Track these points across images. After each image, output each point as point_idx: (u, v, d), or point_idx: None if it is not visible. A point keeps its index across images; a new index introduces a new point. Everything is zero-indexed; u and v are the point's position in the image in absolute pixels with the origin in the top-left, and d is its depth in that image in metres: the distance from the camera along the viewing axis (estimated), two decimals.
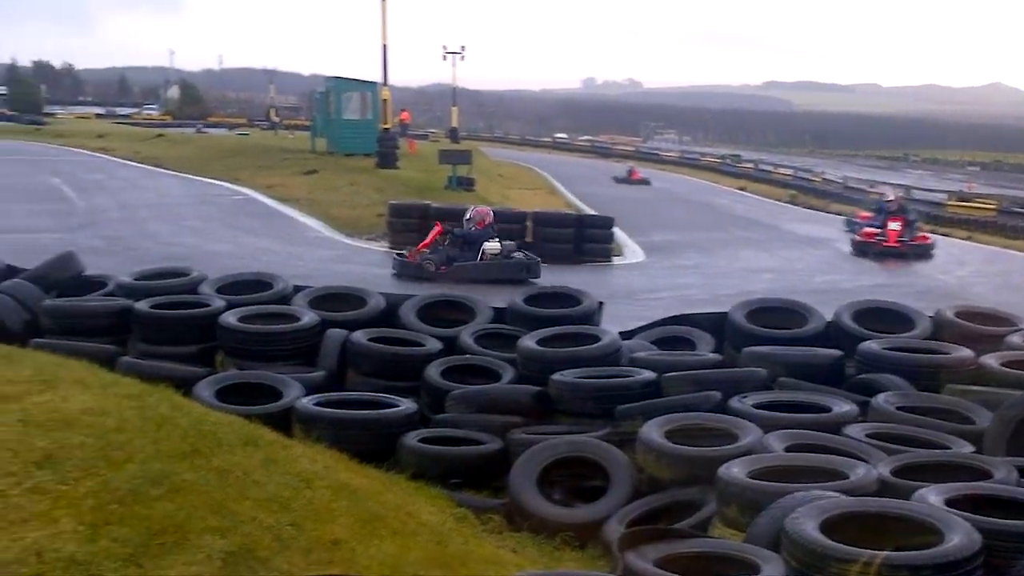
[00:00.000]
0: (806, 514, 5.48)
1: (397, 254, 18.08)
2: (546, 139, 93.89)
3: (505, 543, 6.84)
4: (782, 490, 6.14)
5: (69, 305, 10.87)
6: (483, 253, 17.42)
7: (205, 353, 10.42)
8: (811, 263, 21.65)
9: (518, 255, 17.68)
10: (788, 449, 7.39)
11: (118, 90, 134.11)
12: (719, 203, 38.16)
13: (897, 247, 21.75)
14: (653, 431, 7.72)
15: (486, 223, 18.02)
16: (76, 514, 4.70)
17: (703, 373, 9.40)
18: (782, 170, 52.21)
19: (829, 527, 5.37)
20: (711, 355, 10.55)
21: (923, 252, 21.94)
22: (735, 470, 6.65)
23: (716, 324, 11.54)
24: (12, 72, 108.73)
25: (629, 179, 46.13)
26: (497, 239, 17.67)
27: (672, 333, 11.54)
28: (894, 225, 22.02)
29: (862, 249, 22.15)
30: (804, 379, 9.54)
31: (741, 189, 46.01)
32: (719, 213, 34.09)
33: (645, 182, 45.39)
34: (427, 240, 17.94)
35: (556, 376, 9.32)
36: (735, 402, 8.56)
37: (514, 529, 7.34)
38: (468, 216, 18.16)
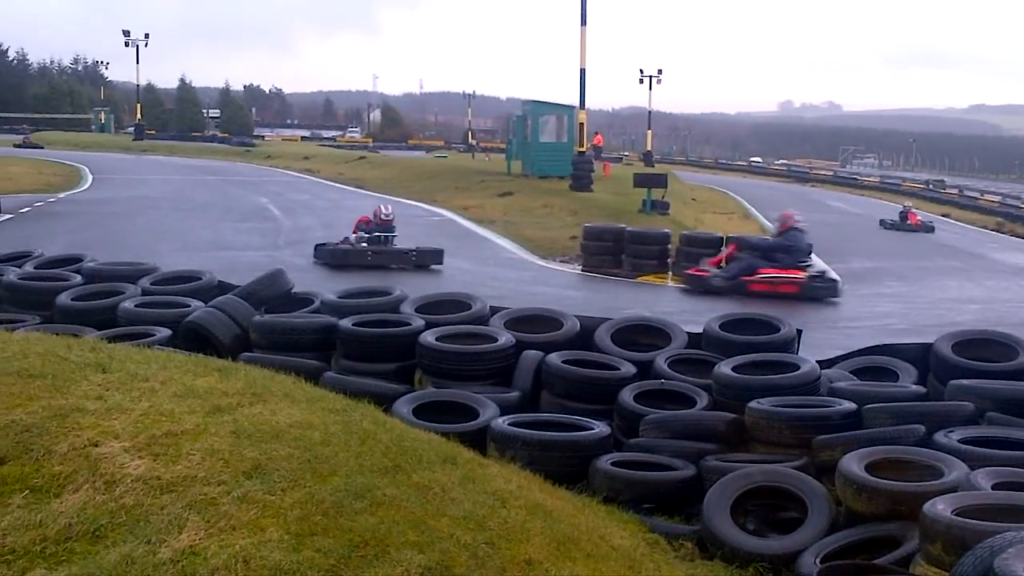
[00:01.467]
0: (1017, 555, 5.24)
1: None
2: (740, 163, 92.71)
3: (697, 571, 6.78)
4: (991, 529, 5.88)
5: (278, 321, 11.27)
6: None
7: (404, 371, 10.65)
8: (1020, 294, 20.77)
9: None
10: (996, 487, 7.09)
11: (323, 113, 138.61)
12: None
13: None
14: (853, 463, 7.51)
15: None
16: (282, 524, 4.84)
17: (906, 405, 9.09)
18: (988, 197, 50.23)
19: None
20: (914, 387, 10.21)
21: None
22: (940, 507, 6.41)
23: (920, 355, 11.14)
24: (224, 96, 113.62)
25: (903, 224, 36.20)
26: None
27: (873, 363, 11.22)
28: None
29: None
30: (1014, 415, 9.14)
31: (945, 216, 44.46)
32: (921, 240, 33.04)
33: (926, 229, 35.93)
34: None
35: (752, 404, 9.17)
36: (940, 436, 8.26)
37: (706, 557, 7.25)
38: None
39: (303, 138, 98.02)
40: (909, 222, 35.64)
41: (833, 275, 19.57)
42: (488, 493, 5.84)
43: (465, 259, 22.03)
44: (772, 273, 18.48)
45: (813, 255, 21.12)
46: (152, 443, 5.48)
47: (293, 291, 12.84)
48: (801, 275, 18.57)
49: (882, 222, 36.37)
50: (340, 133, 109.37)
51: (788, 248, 19.01)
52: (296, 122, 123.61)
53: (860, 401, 9.13)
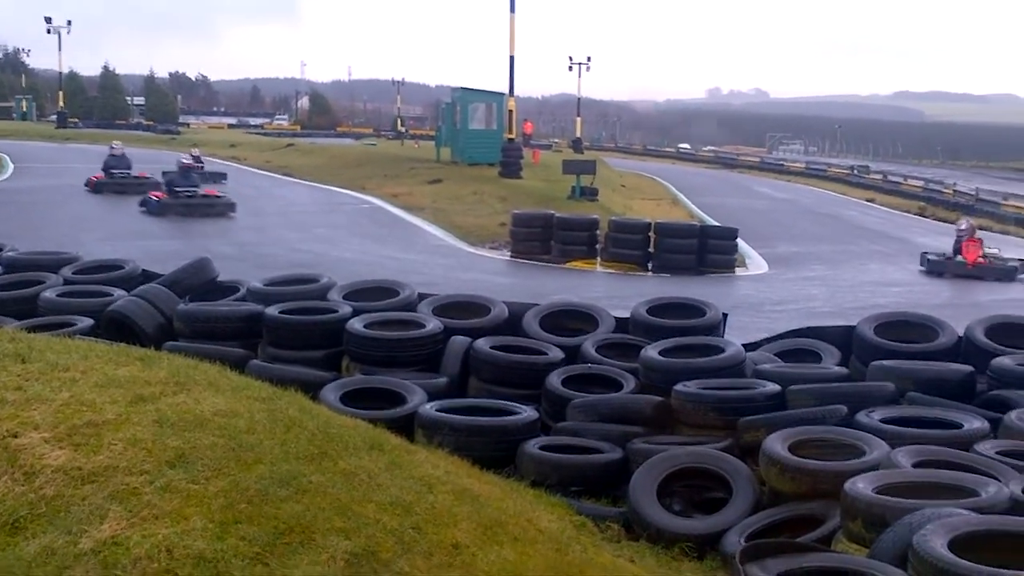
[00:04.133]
0: (935, 531, 5.35)
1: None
2: (669, 149, 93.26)
3: (623, 552, 6.82)
4: (910, 506, 6.01)
5: (202, 309, 11.16)
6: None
7: (332, 358, 10.61)
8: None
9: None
10: (916, 465, 7.22)
11: (250, 100, 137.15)
12: (846, 215, 37.49)
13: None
14: (777, 444, 7.62)
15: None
16: (206, 512, 4.82)
17: (829, 387, 9.24)
18: (912, 181, 50.94)
19: (958, 545, 5.24)
20: (837, 368, 10.37)
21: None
22: (861, 485, 6.52)
23: (843, 337, 11.33)
24: (149, 83, 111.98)
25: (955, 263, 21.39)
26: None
27: (797, 346, 11.38)
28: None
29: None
30: (934, 395, 9.31)
31: (869, 201, 45.08)
32: (846, 225, 33.50)
33: (1003, 273, 20.91)
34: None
35: (679, 387, 9.25)
36: (862, 416, 8.39)
37: (632, 538, 7.31)
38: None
39: (230, 126, 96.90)
40: (963, 259, 21.36)
41: None
42: (415, 479, 5.83)
43: (394, 246, 21.99)
44: None
45: (740, 240, 21.57)
46: (73, 433, 5.43)
47: (218, 279, 12.71)
48: None
49: (927, 260, 21.99)
50: (267, 120, 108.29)
51: None
52: (223, 110, 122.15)
53: (784, 383, 9.25)
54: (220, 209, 26.01)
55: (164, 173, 28.46)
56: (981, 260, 21.22)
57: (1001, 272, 20.99)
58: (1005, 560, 5.15)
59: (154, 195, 25.94)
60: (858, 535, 6.31)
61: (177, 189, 26.02)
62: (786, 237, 28.10)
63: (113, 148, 31.47)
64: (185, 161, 27.73)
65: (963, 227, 22.16)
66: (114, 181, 29.80)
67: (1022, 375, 9.73)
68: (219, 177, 34.40)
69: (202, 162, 33.81)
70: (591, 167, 31.78)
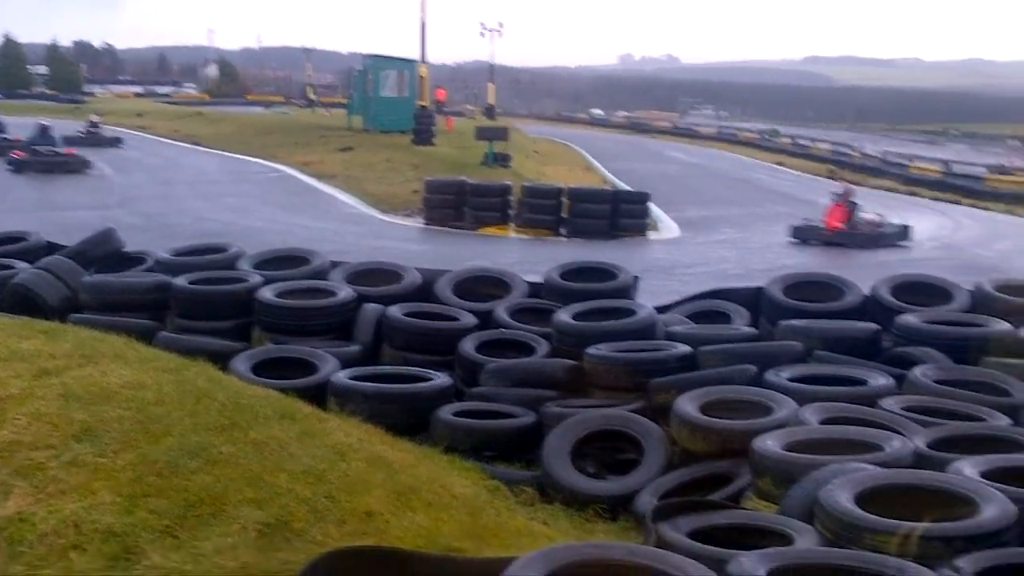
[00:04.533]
0: (840, 486, 5.46)
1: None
2: (582, 116, 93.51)
3: (537, 515, 6.86)
4: (816, 462, 6.12)
5: (108, 281, 10.96)
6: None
7: (242, 328, 10.48)
8: None
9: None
10: (823, 422, 7.35)
11: (157, 69, 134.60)
12: (755, 178, 37.99)
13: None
14: (687, 404, 7.70)
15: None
16: (114, 486, 4.77)
17: (738, 347, 9.35)
18: (820, 145, 51.73)
19: (864, 499, 5.35)
20: (747, 329, 10.50)
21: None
22: (769, 443, 6.63)
23: (752, 298, 11.48)
24: (52, 52, 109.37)
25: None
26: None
27: (708, 307, 11.50)
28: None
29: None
30: (840, 352, 9.47)
31: (779, 164, 45.70)
32: (755, 188, 33.95)
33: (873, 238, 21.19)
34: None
35: (590, 350, 9.30)
36: (770, 375, 8.51)
37: (546, 501, 7.34)
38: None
39: (136, 95, 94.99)
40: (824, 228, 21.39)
41: None
42: (327, 447, 5.81)
43: (306, 215, 21.81)
44: None
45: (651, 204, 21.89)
46: None
47: (125, 250, 12.49)
48: None
49: (793, 228, 21.59)
50: (175, 89, 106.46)
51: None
52: (129, 79, 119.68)
53: (695, 344, 9.35)
54: (75, 166, 29.05)
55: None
56: (841, 226, 21.02)
57: (864, 239, 20.78)
58: (908, 513, 5.26)
59: (15, 154, 28.98)
60: (767, 492, 6.42)
61: (36, 148, 29.36)
62: (697, 201, 28.38)
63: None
64: (44, 123, 31.10)
65: (839, 191, 22.33)
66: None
67: (926, 332, 9.95)
68: (115, 142, 36.86)
69: (98, 127, 37.83)
70: (504, 133, 31.81)
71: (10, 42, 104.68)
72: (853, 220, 21.21)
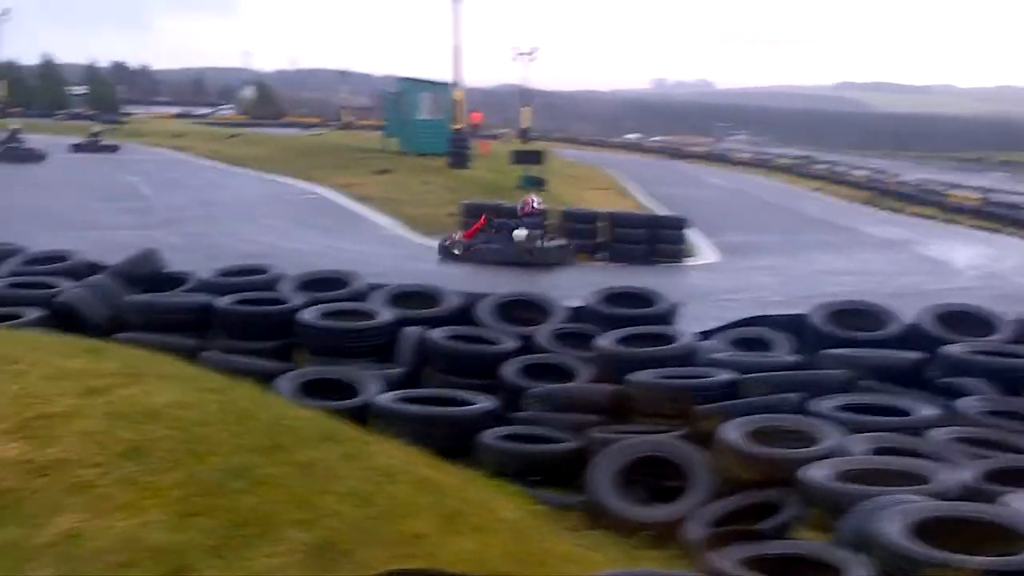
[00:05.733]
0: (893, 518, 5.39)
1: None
2: (616, 140, 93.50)
3: (583, 541, 6.80)
4: (866, 493, 6.05)
5: (153, 300, 11.03)
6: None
7: (284, 349, 10.52)
8: (889, 266, 21.37)
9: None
10: (870, 452, 7.28)
11: (194, 90, 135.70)
12: (793, 204, 37.81)
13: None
14: (732, 432, 7.65)
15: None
16: (163, 504, 4.75)
17: (782, 375, 9.30)
18: (857, 172, 51.45)
19: (917, 531, 5.28)
20: (790, 357, 10.42)
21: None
22: (817, 472, 6.57)
23: (795, 326, 11.39)
24: (91, 73, 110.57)
25: None
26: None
27: (749, 334, 11.41)
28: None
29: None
30: (885, 382, 9.39)
31: (816, 190, 45.48)
32: (794, 214, 33.78)
33: None
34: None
35: (633, 376, 9.26)
36: (815, 404, 8.45)
37: (592, 527, 7.30)
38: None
39: (175, 115, 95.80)
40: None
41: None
42: (373, 469, 5.79)
43: (343, 237, 21.87)
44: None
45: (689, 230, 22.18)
46: (24, 426, 5.35)
47: (166, 270, 12.56)
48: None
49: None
50: (213, 111, 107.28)
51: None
52: (167, 99, 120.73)
53: (738, 371, 9.29)
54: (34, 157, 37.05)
55: None
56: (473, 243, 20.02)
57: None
58: (958, 545, 5.20)
59: None
60: (815, 522, 6.35)
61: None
62: (735, 227, 28.24)
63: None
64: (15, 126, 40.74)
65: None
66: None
67: (972, 363, 9.84)
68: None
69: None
70: (538, 157, 31.88)
71: (49, 63, 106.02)
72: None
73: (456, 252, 19.77)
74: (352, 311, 10.94)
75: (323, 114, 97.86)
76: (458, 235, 20.34)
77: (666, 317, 11.57)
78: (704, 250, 23.30)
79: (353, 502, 5.20)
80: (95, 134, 46.39)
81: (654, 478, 7.84)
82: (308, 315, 10.53)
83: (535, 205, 20.66)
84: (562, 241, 20.65)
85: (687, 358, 10.00)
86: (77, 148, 43.08)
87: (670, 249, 21.19)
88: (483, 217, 20.60)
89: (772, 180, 51.49)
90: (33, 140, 39.69)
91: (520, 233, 19.85)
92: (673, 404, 8.90)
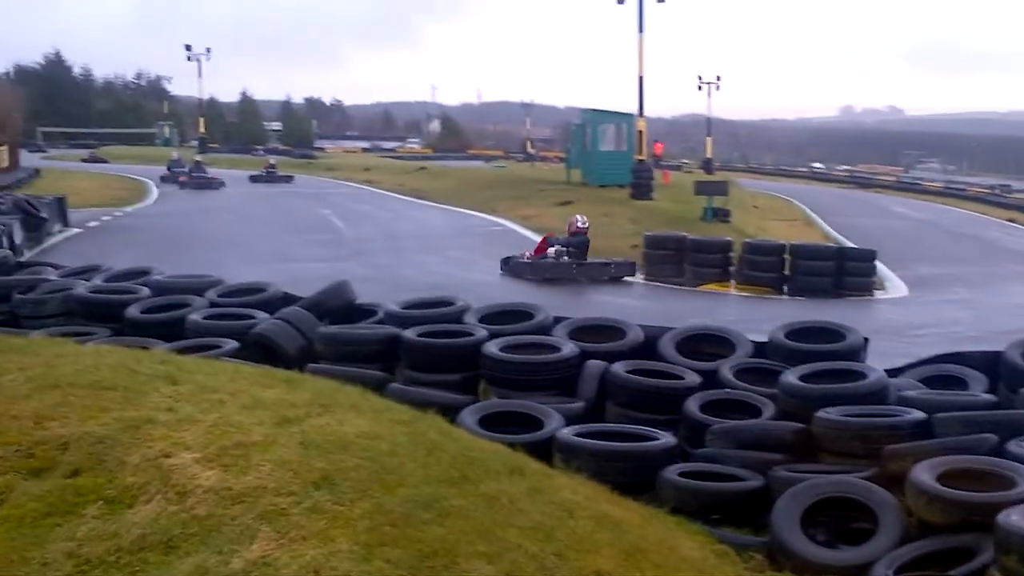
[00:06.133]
0: None
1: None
2: (802, 169, 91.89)
3: None
4: None
5: (343, 332, 11.33)
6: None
7: (468, 381, 10.66)
8: None
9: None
10: None
11: (383, 124, 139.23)
12: (988, 235, 36.45)
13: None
14: (924, 473, 7.41)
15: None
16: (351, 534, 4.85)
17: (977, 414, 8.92)
18: None
19: None
20: (985, 396, 10.03)
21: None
22: (1016, 518, 6.30)
23: (990, 363, 10.93)
24: (286, 109, 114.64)
25: None
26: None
27: (942, 372, 11.01)
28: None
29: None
30: None
31: (1011, 221, 43.74)
32: (988, 246, 32.55)
33: None
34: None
35: (820, 413, 9.05)
36: (1013, 446, 8.10)
37: (776, 569, 7.17)
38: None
39: (363, 149, 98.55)
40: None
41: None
42: (556, 504, 5.82)
43: None
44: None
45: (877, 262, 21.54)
46: (222, 454, 5.53)
47: (357, 302, 12.89)
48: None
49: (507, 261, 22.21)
50: (400, 144, 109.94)
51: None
52: (356, 133, 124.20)
53: (930, 410, 8.98)
54: (215, 185, 45.10)
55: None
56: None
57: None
58: None
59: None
60: (1013, 570, 6.10)
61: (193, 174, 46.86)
62: (925, 259, 27.43)
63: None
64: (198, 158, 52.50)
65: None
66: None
67: None
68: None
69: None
70: (723, 188, 31.51)
71: (247, 99, 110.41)
72: None
73: (506, 267, 21.37)
74: (535, 344, 11.02)
75: (507, 146, 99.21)
76: (528, 253, 21.64)
77: (855, 353, 11.28)
78: (892, 283, 22.66)
79: (536, 536, 5.23)
80: (271, 166, 53.35)
81: (841, 519, 7.67)
82: (493, 347, 10.66)
83: (579, 224, 21.93)
84: (603, 260, 21.90)
85: (876, 396, 9.72)
86: (253, 179, 50.50)
87: (858, 282, 20.66)
88: (544, 238, 22.25)
89: (964, 210, 49.75)
90: (226, 175, 41.38)
91: (551, 251, 21.32)
92: (861, 443, 8.68)
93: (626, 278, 21.28)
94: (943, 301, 20.02)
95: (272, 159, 58.96)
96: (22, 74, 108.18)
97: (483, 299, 13.34)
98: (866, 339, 11.65)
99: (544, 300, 13.95)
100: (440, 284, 17.68)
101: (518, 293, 17.16)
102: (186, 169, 48.98)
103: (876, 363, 11.03)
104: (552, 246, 21.44)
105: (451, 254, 24.06)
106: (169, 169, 50.36)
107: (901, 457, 8.09)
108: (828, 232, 34.06)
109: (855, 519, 7.59)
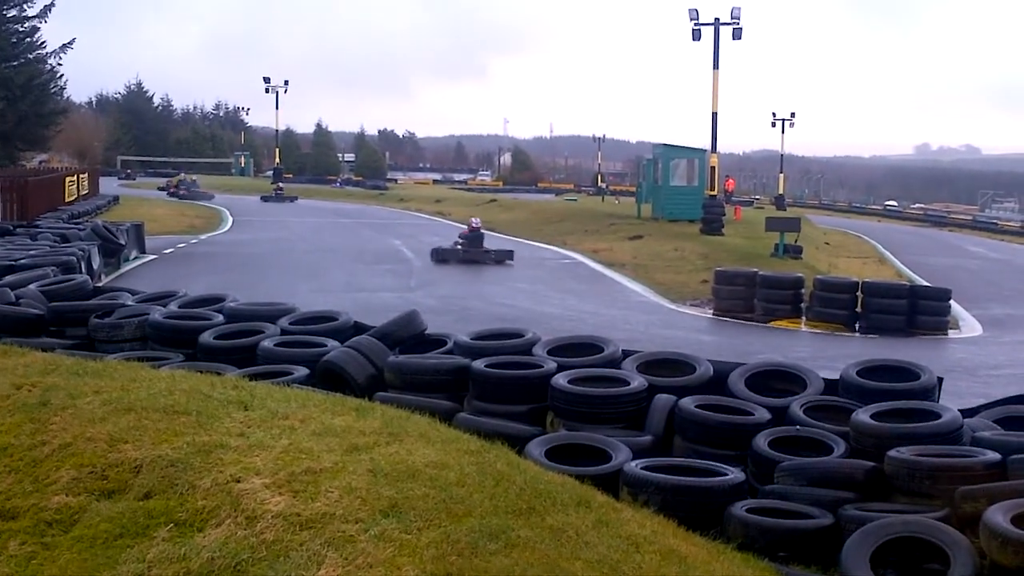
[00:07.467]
0: None
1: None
2: (875, 207, 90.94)
3: None
4: None
5: (413, 362, 11.39)
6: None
7: (536, 413, 10.65)
8: None
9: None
10: None
11: (454, 157, 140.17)
12: None
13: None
14: (999, 515, 7.27)
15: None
16: (418, 563, 4.87)
17: None
18: None
19: None
20: None
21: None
22: None
23: None
24: (359, 140, 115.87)
25: None
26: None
27: (1017, 413, 10.82)
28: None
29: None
30: None
31: None
32: None
33: None
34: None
35: (892, 452, 8.92)
36: None
37: None
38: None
39: (435, 181, 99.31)
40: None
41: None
42: (622, 537, 5.79)
43: (595, 302, 22.05)
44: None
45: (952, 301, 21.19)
46: (292, 480, 5.59)
47: (426, 332, 12.96)
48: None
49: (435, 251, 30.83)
50: (471, 176, 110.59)
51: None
52: (428, 166, 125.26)
53: (1005, 451, 8.81)
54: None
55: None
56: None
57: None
58: None
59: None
60: None
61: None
62: (1000, 298, 27.02)
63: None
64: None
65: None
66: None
67: None
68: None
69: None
70: (795, 224, 31.30)
71: (321, 130, 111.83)
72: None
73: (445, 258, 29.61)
74: (604, 377, 11.00)
75: (577, 180, 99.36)
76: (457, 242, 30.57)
77: (928, 392, 11.11)
78: (966, 322, 22.32)
79: (602, 570, 5.21)
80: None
81: (912, 560, 7.55)
82: (562, 380, 10.65)
83: (474, 224, 31.27)
84: (486, 249, 30.30)
85: (950, 436, 9.57)
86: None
87: (932, 321, 20.40)
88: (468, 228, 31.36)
89: None
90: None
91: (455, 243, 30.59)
92: (934, 483, 8.55)
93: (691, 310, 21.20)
94: (1018, 342, 19.69)
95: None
96: (104, 104, 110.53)
97: (551, 330, 13.34)
98: (940, 378, 11.48)
99: (547, 304, 13.93)
100: (508, 316, 17.78)
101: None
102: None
103: (950, 403, 10.88)
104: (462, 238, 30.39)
105: (520, 286, 24.15)
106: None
107: (975, 498, 7.96)
108: (901, 270, 33.69)
109: (926, 560, 7.47)
